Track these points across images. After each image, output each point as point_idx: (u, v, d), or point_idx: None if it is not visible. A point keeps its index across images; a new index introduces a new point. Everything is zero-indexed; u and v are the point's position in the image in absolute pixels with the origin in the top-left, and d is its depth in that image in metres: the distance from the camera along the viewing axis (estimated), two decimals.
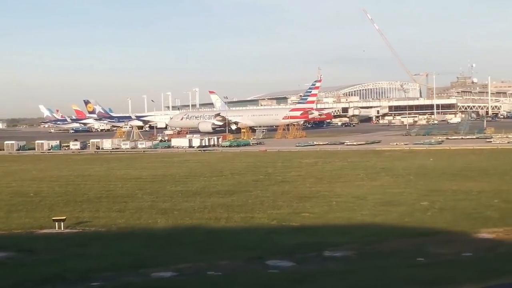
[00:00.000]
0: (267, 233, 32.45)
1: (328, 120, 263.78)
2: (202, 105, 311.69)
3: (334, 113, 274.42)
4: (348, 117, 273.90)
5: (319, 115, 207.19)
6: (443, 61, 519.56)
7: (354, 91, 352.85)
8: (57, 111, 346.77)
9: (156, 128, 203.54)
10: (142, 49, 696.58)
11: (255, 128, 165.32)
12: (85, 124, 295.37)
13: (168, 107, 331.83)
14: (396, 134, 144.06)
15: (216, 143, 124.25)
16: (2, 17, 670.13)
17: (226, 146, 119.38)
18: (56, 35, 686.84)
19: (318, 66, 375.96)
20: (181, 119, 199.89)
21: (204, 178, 62.82)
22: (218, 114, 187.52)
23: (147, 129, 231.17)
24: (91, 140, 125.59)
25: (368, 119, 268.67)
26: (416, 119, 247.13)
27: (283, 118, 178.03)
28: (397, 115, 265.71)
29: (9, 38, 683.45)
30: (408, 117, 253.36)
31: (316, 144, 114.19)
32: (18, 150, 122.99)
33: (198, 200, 46.11)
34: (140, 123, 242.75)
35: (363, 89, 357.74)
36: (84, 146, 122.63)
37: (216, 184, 56.82)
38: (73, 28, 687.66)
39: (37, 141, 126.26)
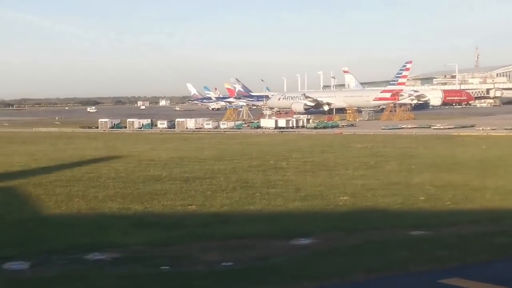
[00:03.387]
0: (98, 228, 29.85)
1: (471, 102, 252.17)
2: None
3: (476, 95, 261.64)
4: (492, 99, 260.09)
5: (409, 96, 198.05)
6: None
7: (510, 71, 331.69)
8: (215, 89, 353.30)
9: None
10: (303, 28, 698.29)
11: (361, 110, 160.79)
12: (230, 102, 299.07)
13: (329, 86, 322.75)
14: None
15: (305, 124, 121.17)
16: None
17: (312, 128, 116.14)
18: None
19: (476, 45, 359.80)
20: (278, 99, 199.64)
21: (211, 162, 60.24)
22: (308, 96, 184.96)
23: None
24: (177, 120, 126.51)
25: None
26: None
27: (373, 100, 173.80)
28: None
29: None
30: None
31: (402, 128, 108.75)
32: (112, 128, 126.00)
33: (139, 186, 43.89)
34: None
35: None
36: (171, 126, 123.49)
37: (203, 169, 54.21)
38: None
39: (128, 119, 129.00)
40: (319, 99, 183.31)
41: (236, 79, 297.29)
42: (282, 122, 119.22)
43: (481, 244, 24.35)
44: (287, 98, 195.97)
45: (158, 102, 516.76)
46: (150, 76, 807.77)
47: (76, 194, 40.79)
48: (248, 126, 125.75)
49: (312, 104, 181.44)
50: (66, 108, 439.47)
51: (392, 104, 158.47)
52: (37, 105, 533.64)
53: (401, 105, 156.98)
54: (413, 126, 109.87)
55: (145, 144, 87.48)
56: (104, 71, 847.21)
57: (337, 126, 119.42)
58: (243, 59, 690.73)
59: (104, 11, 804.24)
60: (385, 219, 30.81)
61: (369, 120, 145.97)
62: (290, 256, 23.49)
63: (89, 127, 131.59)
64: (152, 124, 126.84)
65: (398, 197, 36.85)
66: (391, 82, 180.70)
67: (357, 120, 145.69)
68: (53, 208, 35.58)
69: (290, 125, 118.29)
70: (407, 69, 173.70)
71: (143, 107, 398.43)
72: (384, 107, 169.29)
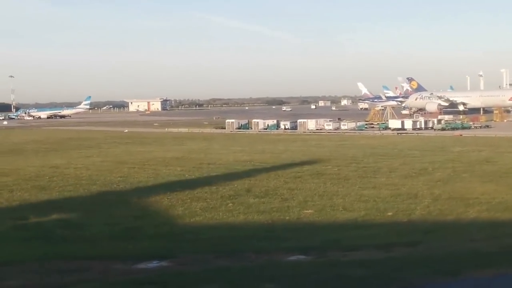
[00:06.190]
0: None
1: None
2: None
3: None
4: None
5: None
6: None
7: None
8: (396, 88, 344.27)
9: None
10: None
11: (509, 109, 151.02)
12: (401, 102, 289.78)
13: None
14: None
15: (434, 125, 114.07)
16: None
17: (439, 129, 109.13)
18: None
19: None
20: (415, 99, 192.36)
21: (267, 166, 57.15)
22: (441, 96, 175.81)
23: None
24: (298, 120, 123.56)
25: None
26: None
27: (509, 100, 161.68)
28: None
29: None
30: None
31: None
32: (239, 128, 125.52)
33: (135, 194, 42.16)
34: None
35: None
36: (294, 126, 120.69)
37: (238, 174, 51.44)
38: None
39: (253, 120, 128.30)
40: (451, 98, 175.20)
41: (409, 78, 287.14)
42: (408, 123, 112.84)
43: (327, 277, 19.65)
44: (424, 98, 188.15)
45: (340, 102, 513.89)
46: (333, 75, 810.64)
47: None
48: (377, 126, 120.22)
49: (446, 104, 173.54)
50: (246, 108, 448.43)
51: None
52: (225, 105, 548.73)
53: None
54: None
55: (243, 146, 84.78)
56: (291, 72, 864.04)
57: (468, 128, 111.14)
58: (426, 56, 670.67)
59: (291, 13, 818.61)
60: (300, 239, 26.72)
61: None
62: (101, 283, 20.26)
63: (222, 128, 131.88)
64: (278, 125, 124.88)
65: (367, 212, 32.70)
66: None
67: (505, 120, 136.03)
68: None
69: (418, 126, 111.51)
70: None
71: (313, 106, 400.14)
72: None
